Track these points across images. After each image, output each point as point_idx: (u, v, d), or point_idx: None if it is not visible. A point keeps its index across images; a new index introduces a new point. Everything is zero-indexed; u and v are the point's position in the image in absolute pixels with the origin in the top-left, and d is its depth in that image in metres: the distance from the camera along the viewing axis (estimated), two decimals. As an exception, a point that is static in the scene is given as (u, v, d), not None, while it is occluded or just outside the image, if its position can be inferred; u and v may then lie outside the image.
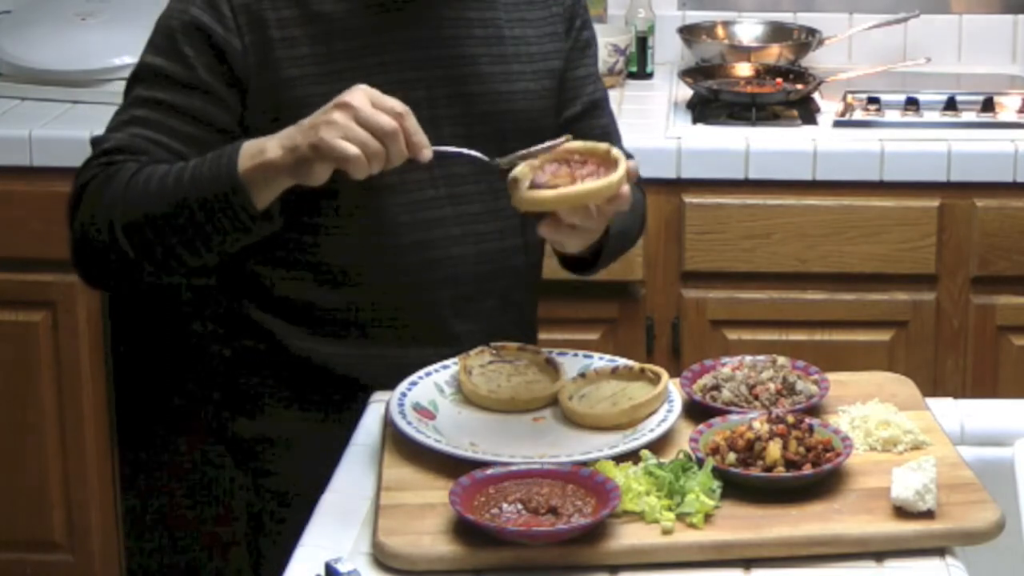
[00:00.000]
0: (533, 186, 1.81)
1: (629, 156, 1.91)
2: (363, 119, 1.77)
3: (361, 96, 1.79)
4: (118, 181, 1.93)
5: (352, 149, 1.76)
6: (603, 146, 1.85)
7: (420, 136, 1.80)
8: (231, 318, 2.12)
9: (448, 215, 2.06)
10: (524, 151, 1.85)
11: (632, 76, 3.52)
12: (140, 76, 2.02)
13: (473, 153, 1.90)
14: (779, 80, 3.33)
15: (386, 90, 1.85)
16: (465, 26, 2.06)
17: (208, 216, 1.87)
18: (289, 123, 1.86)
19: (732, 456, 1.73)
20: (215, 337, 2.15)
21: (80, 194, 1.97)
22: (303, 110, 1.87)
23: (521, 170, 1.81)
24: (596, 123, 2.20)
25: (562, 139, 1.86)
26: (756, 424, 1.76)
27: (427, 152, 1.81)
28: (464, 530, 1.63)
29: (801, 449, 1.73)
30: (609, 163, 1.83)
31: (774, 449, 1.72)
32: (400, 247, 2.04)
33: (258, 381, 2.10)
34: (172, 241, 1.91)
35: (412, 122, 1.79)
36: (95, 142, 2.01)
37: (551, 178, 1.82)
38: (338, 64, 1.99)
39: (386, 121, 1.77)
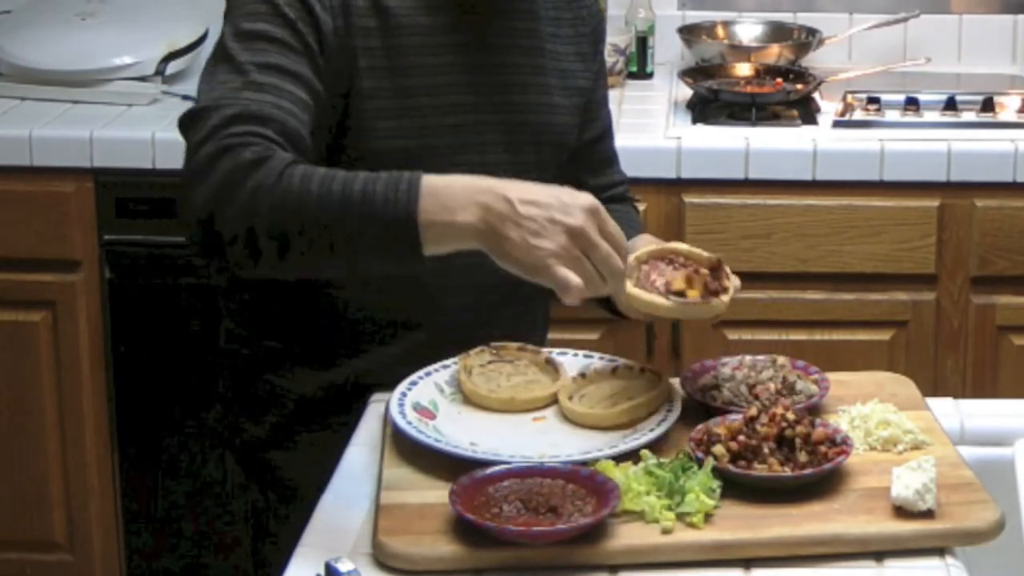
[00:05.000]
0: (638, 284, 1.83)
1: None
2: (598, 259, 1.67)
3: (591, 223, 1.67)
4: (268, 169, 1.74)
5: (575, 281, 1.65)
6: (707, 256, 1.89)
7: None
8: (252, 318, 2.12)
9: None
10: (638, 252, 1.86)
11: (632, 76, 3.52)
12: (239, 41, 1.88)
13: None
14: (779, 80, 3.33)
15: (442, 92, 1.94)
16: (512, 35, 2.07)
17: (368, 241, 1.72)
18: (350, 110, 1.91)
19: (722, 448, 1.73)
20: (232, 337, 2.15)
21: (210, 166, 1.75)
22: (367, 100, 1.94)
23: (630, 264, 1.82)
24: (607, 146, 2.26)
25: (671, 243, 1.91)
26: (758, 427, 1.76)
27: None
28: (464, 530, 1.63)
29: (806, 443, 1.73)
30: (713, 273, 1.89)
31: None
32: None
33: (275, 383, 2.09)
34: (316, 248, 1.73)
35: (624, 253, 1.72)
36: (202, 111, 1.81)
37: (657, 278, 1.86)
38: (405, 60, 1.98)
39: (617, 265, 1.68)
